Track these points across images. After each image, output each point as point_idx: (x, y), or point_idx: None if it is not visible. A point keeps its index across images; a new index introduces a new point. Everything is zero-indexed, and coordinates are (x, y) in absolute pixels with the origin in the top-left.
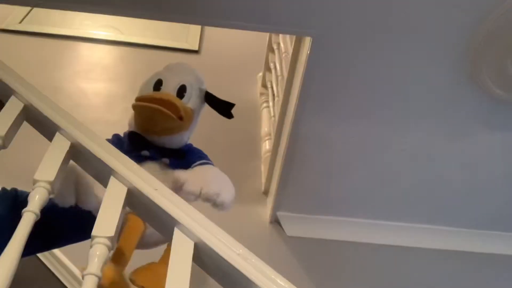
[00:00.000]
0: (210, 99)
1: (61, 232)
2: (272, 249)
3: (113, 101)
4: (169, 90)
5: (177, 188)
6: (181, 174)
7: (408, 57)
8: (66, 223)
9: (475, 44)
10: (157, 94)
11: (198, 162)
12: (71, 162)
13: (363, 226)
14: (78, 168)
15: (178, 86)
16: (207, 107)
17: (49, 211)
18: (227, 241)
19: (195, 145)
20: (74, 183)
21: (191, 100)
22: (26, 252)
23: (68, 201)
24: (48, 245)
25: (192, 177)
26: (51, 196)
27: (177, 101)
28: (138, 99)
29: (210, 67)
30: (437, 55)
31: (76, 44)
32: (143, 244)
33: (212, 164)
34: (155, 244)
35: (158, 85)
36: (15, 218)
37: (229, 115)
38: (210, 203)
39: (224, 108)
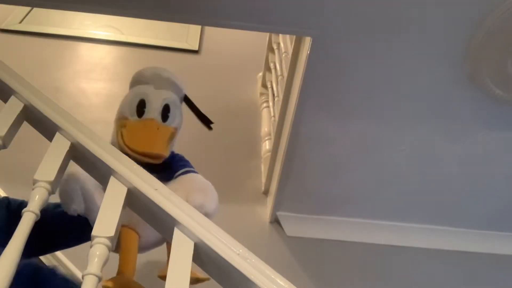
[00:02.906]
0: (189, 105)
1: (57, 238)
2: (272, 249)
3: (113, 101)
4: (153, 114)
5: None
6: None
7: (408, 57)
8: (64, 228)
9: (475, 44)
10: (147, 147)
11: (181, 171)
12: (75, 169)
13: (363, 226)
14: (82, 176)
15: (162, 108)
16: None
17: (49, 217)
18: (227, 241)
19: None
20: (81, 191)
21: (175, 120)
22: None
23: (78, 209)
24: (42, 251)
25: (175, 189)
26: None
27: (164, 149)
28: (129, 149)
29: (210, 67)
30: (437, 55)
31: (76, 44)
32: (139, 250)
33: (195, 171)
34: (149, 248)
35: (141, 107)
36: (8, 227)
37: (208, 127)
38: None
39: (202, 117)
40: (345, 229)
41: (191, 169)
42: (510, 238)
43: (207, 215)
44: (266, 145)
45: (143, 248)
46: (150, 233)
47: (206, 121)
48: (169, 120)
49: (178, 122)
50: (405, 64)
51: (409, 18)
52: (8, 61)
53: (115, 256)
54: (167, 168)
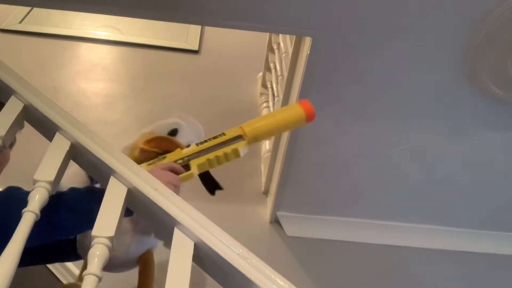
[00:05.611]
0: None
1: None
2: (272, 249)
3: (113, 101)
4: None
5: None
6: None
7: (408, 57)
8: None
9: (475, 44)
10: None
11: None
12: None
13: (363, 226)
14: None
15: (186, 145)
16: None
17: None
18: (227, 241)
19: None
20: None
21: None
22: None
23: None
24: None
25: None
26: None
27: None
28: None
29: (210, 67)
30: (437, 55)
31: (76, 44)
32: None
33: None
34: (118, 267)
35: (174, 133)
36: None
37: (212, 193)
38: None
39: (211, 184)
40: (345, 229)
41: None
42: (510, 238)
43: None
44: (266, 145)
45: (111, 266)
46: (121, 248)
47: (215, 186)
48: None
49: None
50: (405, 64)
51: (409, 18)
52: (8, 61)
53: None
54: None
